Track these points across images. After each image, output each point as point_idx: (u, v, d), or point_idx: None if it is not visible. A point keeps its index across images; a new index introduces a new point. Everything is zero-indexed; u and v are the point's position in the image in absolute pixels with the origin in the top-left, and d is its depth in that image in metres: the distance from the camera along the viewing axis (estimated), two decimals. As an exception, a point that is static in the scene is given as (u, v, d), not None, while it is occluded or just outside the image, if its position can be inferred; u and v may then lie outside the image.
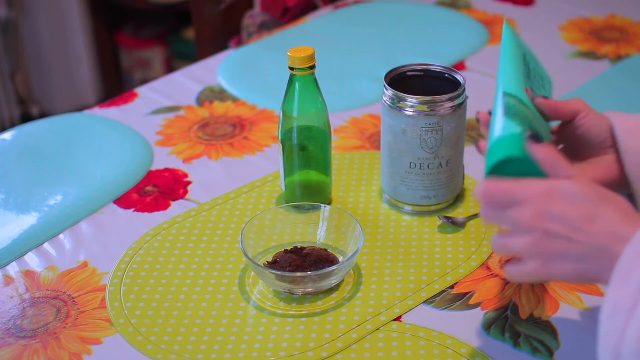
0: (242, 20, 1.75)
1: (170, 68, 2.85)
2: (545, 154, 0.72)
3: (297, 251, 0.96)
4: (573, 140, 0.90)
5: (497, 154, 0.72)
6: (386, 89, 1.01)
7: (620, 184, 0.88)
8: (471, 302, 0.92)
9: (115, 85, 2.90)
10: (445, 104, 0.99)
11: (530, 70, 0.90)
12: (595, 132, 0.88)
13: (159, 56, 2.86)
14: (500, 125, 0.76)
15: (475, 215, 1.05)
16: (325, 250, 0.97)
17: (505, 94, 0.81)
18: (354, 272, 0.97)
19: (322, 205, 1.01)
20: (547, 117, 0.89)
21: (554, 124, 0.92)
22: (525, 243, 0.70)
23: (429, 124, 0.99)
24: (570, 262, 0.69)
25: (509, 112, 0.78)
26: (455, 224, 1.04)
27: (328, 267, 0.93)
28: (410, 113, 1.00)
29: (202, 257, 1.01)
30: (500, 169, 0.72)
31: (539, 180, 0.70)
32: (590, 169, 0.88)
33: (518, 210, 0.70)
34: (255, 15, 1.74)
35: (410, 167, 1.03)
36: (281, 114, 1.03)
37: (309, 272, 0.91)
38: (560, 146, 0.93)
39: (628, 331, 0.64)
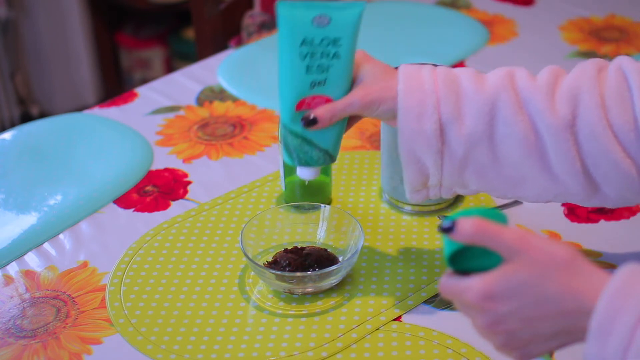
0: (242, 20, 1.75)
1: (170, 68, 2.85)
2: (466, 236, 0.66)
3: (297, 251, 0.96)
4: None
5: (444, 247, 0.69)
6: (386, 89, 1.01)
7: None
8: (471, 302, 0.92)
9: (115, 85, 2.90)
10: (445, 104, 0.99)
11: (313, 53, 0.84)
12: (385, 119, 0.87)
13: (159, 56, 2.86)
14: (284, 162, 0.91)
15: (475, 215, 1.05)
16: (325, 250, 0.97)
17: (283, 125, 0.87)
18: (354, 272, 0.97)
19: (322, 205, 1.01)
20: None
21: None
22: (499, 346, 0.69)
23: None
24: (544, 344, 0.67)
25: (285, 147, 0.89)
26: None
27: (328, 267, 0.93)
28: (410, 113, 0.99)
29: (202, 257, 1.01)
30: (454, 261, 0.69)
31: (474, 281, 0.66)
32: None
33: (473, 319, 0.69)
34: (255, 15, 1.74)
35: (410, 167, 1.03)
36: (281, 114, 1.03)
37: (309, 272, 0.91)
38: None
39: None
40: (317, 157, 0.89)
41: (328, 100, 0.86)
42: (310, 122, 0.85)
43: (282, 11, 0.83)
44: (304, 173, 0.90)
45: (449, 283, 0.69)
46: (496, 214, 0.68)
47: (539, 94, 0.83)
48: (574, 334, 0.65)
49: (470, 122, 0.83)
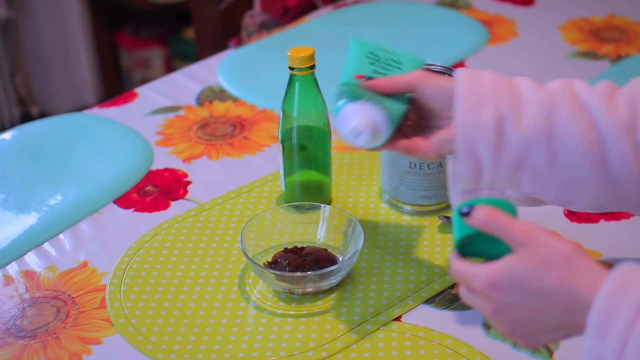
0: (242, 20, 1.75)
1: (170, 68, 2.85)
2: (478, 222, 0.70)
3: (297, 251, 0.96)
4: (424, 108, 0.87)
5: (455, 231, 0.73)
6: (386, 89, 1.01)
7: None
8: (471, 302, 0.92)
9: (115, 85, 2.90)
10: (445, 104, 0.99)
11: (378, 60, 0.89)
12: (440, 102, 0.85)
13: (159, 56, 2.86)
14: (337, 102, 0.85)
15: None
16: (325, 250, 0.97)
17: (341, 85, 0.86)
18: (354, 272, 0.97)
19: (322, 205, 1.01)
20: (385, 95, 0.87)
21: None
22: (503, 331, 0.71)
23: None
24: (547, 335, 0.70)
25: (342, 96, 0.85)
26: (455, 224, 1.04)
27: (328, 267, 0.93)
28: (410, 113, 0.99)
29: (202, 257, 1.01)
30: (464, 245, 0.73)
31: (481, 270, 0.69)
32: (444, 131, 0.85)
33: (480, 305, 0.71)
34: (255, 15, 1.74)
35: (410, 167, 1.03)
36: (281, 114, 1.03)
37: (309, 272, 0.91)
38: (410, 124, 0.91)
39: None
40: (383, 103, 0.85)
41: None
42: (367, 79, 0.86)
43: (357, 40, 0.91)
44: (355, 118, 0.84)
45: (460, 267, 0.71)
46: (507, 204, 0.71)
47: (598, 96, 0.82)
48: (576, 327, 0.67)
49: (528, 118, 0.80)
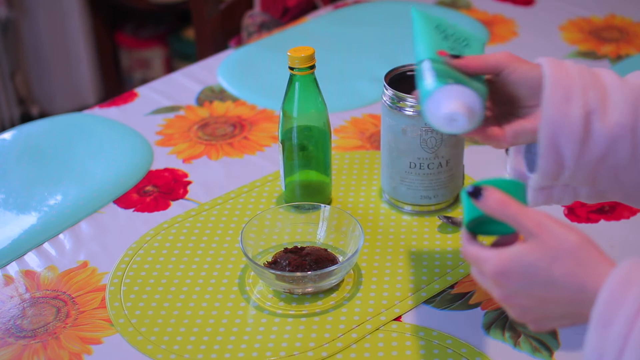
0: (242, 20, 1.75)
1: (170, 68, 2.85)
2: (490, 207, 0.71)
3: (297, 251, 0.96)
4: (504, 94, 0.84)
5: (465, 210, 0.73)
6: (386, 89, 1.01)
7: None
8: (471, 302, 0.92)
9: (115, 85, 2.90)
10: (445, 104, 0.99)
11: (448, 35, 0.86)
12: (524, 89, 0.82)
13: (159, 56, 2.86)
14: (422, 85, 0.77)
15: (475, 215, 1.05)
16: (325, 250, 0.97)
17: (419, 62, 0.80)
18: (354, 272, 0.97)
19: (322, 205, 1.01)
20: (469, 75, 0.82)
21: None
22: (513, 315, 0.72)
23: (429, 124, 0.99)
24: (555, 321, 0.71)
25: (426, 75, 0.78)
26: (455, 224, 1.04)
27: (328, 267, 0.93)
28: (410, 113, 1.00)
29: (202, 257, 1.01)
30: (474, 224, 0.74)
31: (491, 255, 0.70)
32: (524, 121, 0.82)
33: (490, 289, 0.73)
34: (255, 15, 1.74)
35: (410, 167, 1.03)
36: (281, 114, 1.03)
37: (309, 272, 0.91)
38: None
39: None
40: (468, 82, 0.78)
41: None
42: (455, 56, 0.81)
43: (418, 12, 0.88)
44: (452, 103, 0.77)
45: (471, 250, 0.72)
46: (517, 185, 0.73)
47: None
48: (583, 317, 0.68)
49: (614, 112, 0.78)
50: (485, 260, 0.71)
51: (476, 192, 0.71)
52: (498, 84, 0.82)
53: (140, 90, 1.40)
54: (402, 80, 1.04)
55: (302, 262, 0.93)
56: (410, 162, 1.02)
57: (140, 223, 1.07)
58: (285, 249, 0.98)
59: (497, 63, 0.81)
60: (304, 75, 1.00)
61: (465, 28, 0.89)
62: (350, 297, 0.93)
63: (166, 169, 1.18)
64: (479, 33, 0.88)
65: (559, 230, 0.68)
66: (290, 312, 0.92)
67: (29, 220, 1.08)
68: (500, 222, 0.72)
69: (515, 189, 0.72)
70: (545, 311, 0.70)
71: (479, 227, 0.74)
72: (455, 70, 0.80)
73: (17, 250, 1.03)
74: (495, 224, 0.73)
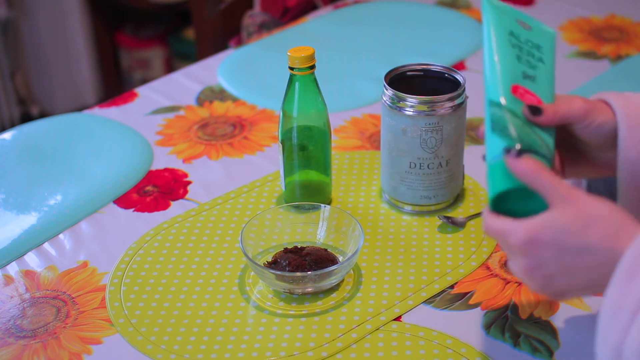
0: (242, 20, 1.75)
1: (170, 68, 2.85)
2: (524, 171, 0.71)
3: (297, 251, 0.96)
4: (574, 141, 0.83)
5: (491, 187, 0.73)
6: (386, 89, 1.01)
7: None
8: (471, 302, 0.92)
9: (115, 85, 2.90)
10: (445, 104, 0.99)
11: (521, 47, 0.82)
12: (597, 138, 0.81)
13: (159, 56, 2.86)
14: (490, 144, 0.75)
15: (475, 215, 1.05)
16: (325, 250, 0.97)
17: (491, 103, 0.77)
18: (354, 272, 0.97)
19: (322, 205, 1.01)
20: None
21: None
22: (535, 287, 0.72)
23: (429, 124, 0.99)
24: (578, 291, 0.71)
25: (496, 126, 0.76)
26: (455, 224, 1.04)
27: (328, 267, 0.93)
28: (410, 113, 1.00)
29: (202, 257, 1.01)
30: (499, 201, 0.74)
31: (519, 225, 0.70)
32: (589, 164, 0.84)
33: (514, 260, 0.72)
34: (255, 15, 1.74)
35: (410, 167, 1.03)
36: (281, 114, 1.03)
37: (309, 272, 0.91)
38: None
39: (632, 330, 0.64)
40: (539, 144, 0.77)
41: (539, 102, 0.79)
42: (536, 111, 0.77)
43: (490, 3, 0.83)
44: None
45: (495, 223, 0.72)
46: (546, 159, 0.74)
47: None
48: (605, 284, 0.67)
49: None
50: (512, 230, 0.70)
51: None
52: (569, 132, 0.82)
53: (140, 90, 1.40)
54: (402, 80, 1.04)
55: (302, 262, 0.93)
56: (410, 162, 1.02)
57: (140, 223, 1.07)
58: (285, 249, 0.98)
59: (574, 119, 0.80)
60: (304, 75, 1.00)
61: (536, 23, 0.85)
62: (350, 297, 0.93)
63: (166, 169, 1.18)
64: (548, 28, 0.85)
65: (590, 198, 0.69)
66: (290, 312, 0.92)
67: (29, 220, 1.08)
68: (525, 200, 0.71)
69: (545, 162, 0.73)
70: (571, 280, 0.69)
71: (502, 204, 0.73)
72: (528, 122, 0.77)
73: (17, 250, 1.03)
74: (519, 201, 0.72)
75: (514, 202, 0.73)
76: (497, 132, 0.75)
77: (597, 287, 0.69)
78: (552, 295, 0.72)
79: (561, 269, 0.69)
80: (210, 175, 1.16)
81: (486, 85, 0.79)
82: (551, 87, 0.81)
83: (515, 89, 0.78)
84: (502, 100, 0.77)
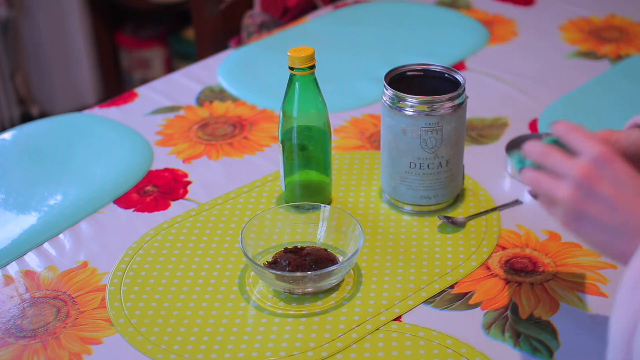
0: (242, 20, 1.75)
1: (170, 68, 2.85)
2: (563, 130, 0.72)
3: (297, 251, 0.96)
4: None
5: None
6: (386, 89, 1.01)
7: None
8: (471, 302, 0.92)
9: (115, 85, 2.90)
10: (445, 104, 0.99)
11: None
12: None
13: (159, 56, 2.86)
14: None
15: (475, 215, 1.05)
16: (325, 250, 0.97)
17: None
18: (354, 272, 0.97)
19: (322, 205, 1.01)
20: None
21: None
22: (567, 194, 0.70)
23: (429, 124, 0.99)
24: (601, 231, 0.69)
25: None
26: (455, 224, 1.04)
27: (328, 267, 0.93)
28: (410, 113, 1.00)
29: (202, 257, 1.01)
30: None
31: (594, 145, 0.70)
32: None
33: (574, 161, 0.70)
34: (255, 15, 1.74)
35: (410, 167, 1.03)
36: (281, 114, 1.03)
37: (309, 272, 0.91)
38: None
39: None
40: None
41: None
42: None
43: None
44: None
45: (556, 153, 0.72)
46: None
47: None
48: (631, 242, 0.66)
49: None
50: (572, 163, 0.69)
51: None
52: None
53: (140, 90, 1.40)
54: (402, 80, 1.04)
55: (302, 262, 0.93)
56: (410, 162, 1.02)
57: (140, 223, 1.07)
58: (285, 249, 0.98)
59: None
60: (304, 75, 1.00)
61: None
62: (350, 297, 0.93)
63: (166, 169, 1.18)
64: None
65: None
66: (290, 312, 0.92)
67: (29, 220, 1.08)
68: None
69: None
70: (604, 214, 0.68)
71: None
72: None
73: (17, 250, 1.03)
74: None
75: None
76: None
77: (613, 244, 0.68)
78: (585, 235, 0.70)
79: (612, 197, 0.67)
80: (210, 175, 1.16)
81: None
82: None
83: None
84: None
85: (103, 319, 0.92)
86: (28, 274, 1.00)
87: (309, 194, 1.07)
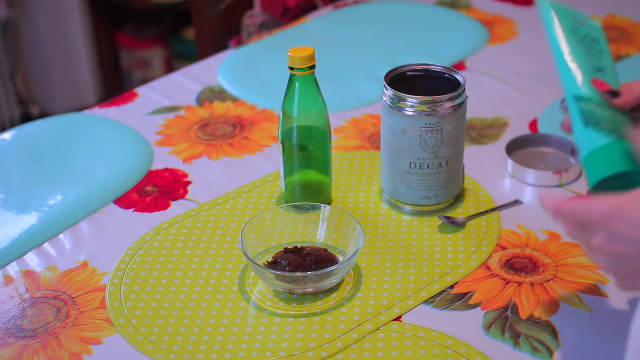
0: (242, 20, 1.75)
1: (170, 68, 2.85)
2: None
3: (297, 251, 0.96)
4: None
5: (598, 170, 0.76)
6: (386, 89, 1.01)
7: None
8: (471, 302, 0.92)
9: (115, 85, 2.90)
10: (445, 104, 0.99)
11: (584, 42, 0.88)
12: None
13: (159, 56, 2.86)
14: (586, 138, 0.80)
15: (475, 215, 1.05)
16: (325, 250, 0.97)
17: (577, 98, 0.82)
18: (354, 272, 0.97)
19: (322, 205, 1.01)
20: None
21: None
22: (603, 265, 0.71)
23: (429, 124, 0.99)
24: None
25: (589, 121, 0.81)
26: (455, 224, 1.04)
27: (328, 267, 0.93)
28: (410, 113, 1.00)
29: (202, 257, 1.01)
30: (604, 183, 0.75)
31: (604, 199, 0.70)
32: None
33: (589, 234, 0.71)
34: (255, 15, 1.74)
35: (410, 167, 1.03)
36: (281, 114, 1.03)
37: (309, 272, 0.91)
38: None
39: None
40: (621, 128, 0.81)
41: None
42: (614, 94, 0.83)
43: (546, 3, 0.88)
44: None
45: (570, 204, 0.71)
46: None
47: None
48: None
49: None
50: (594, 203, 0.69)
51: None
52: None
53: (140, 90, 1.40)
54: (402, 80, 1.04)
55: (302, 262, 0.93)
56: (410, 162, 1.02)
57: (140, 223, 1.07)
58: (285, 249, 0.98)
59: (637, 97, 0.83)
60: (304, 75, 1.00)
61: (585, 18, 0.90)
62: (350, 297, 0.93)
63: (166, 169, 1.18)
64: (594, 21, 0.90)
65: None
66: (290, 312, 0.92)
67: (29, 220, 1.08)
68: (620, 189, 0.72)
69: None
70: None
71: (600, 189, 0.75)
72: (609, 106, 0.83)
73: (17, 250, 1.03)
74: (618, 185, 0.74)
75: (610, 187, 0.75)
76: (591, 126, 0.81)
77: None
78: (618, 277, 0.71)
79: (638, 252, 0.67)
80: (210, 175, 1.16)
81: (565, 82, 0.84)
82: (616, 76, 0.87)
83: (595, 82, 0.84)
84: (589, 94, 0.83)
85: (103, 319, 0.92)
86: (28, 274, 1.00)
87: (309, 194, 1.07)
